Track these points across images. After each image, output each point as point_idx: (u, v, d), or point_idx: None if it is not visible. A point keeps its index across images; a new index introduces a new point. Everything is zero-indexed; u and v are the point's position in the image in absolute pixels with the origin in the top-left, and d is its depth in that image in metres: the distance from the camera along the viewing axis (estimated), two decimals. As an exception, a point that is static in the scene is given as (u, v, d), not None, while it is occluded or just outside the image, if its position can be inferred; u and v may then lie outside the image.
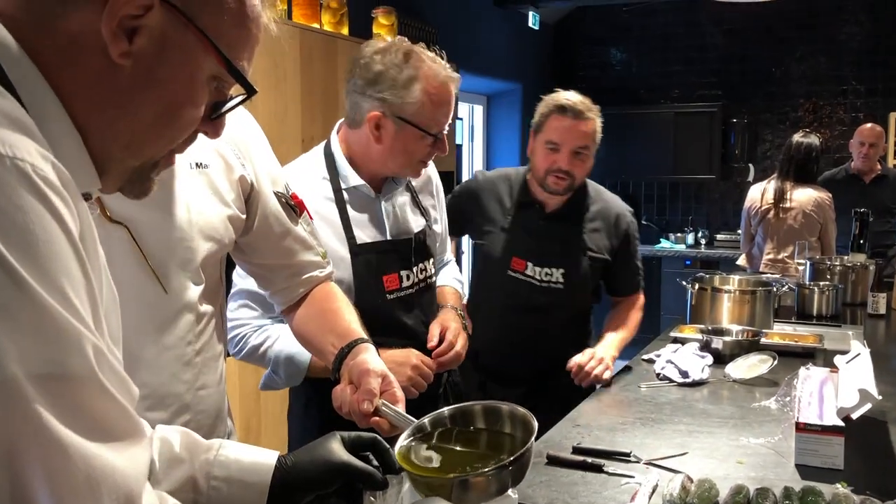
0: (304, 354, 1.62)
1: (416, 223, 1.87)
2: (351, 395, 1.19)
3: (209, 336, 1.28)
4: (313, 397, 1.77)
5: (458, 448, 1.06)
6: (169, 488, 0.98)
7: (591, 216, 2.43)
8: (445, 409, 1.12)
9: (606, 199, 2.48)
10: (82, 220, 0.64)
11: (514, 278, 2.39)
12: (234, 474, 0.99)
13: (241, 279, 1.72)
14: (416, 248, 1.84)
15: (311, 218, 1.44)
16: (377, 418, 1.15)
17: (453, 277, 2.12)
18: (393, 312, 1.77)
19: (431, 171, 1.98)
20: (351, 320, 1.34)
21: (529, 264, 2.38)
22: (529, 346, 2.40)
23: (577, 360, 2.22)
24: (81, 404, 0.58)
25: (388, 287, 1.77)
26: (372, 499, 1.06)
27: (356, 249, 1.73)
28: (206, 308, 1.25)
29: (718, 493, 1.45)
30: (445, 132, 1.75)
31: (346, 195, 1.76)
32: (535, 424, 1.04)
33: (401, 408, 1.17)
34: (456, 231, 2.49)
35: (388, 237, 1.79)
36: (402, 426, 1.12)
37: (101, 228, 1.16)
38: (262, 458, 1.02)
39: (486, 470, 0.97)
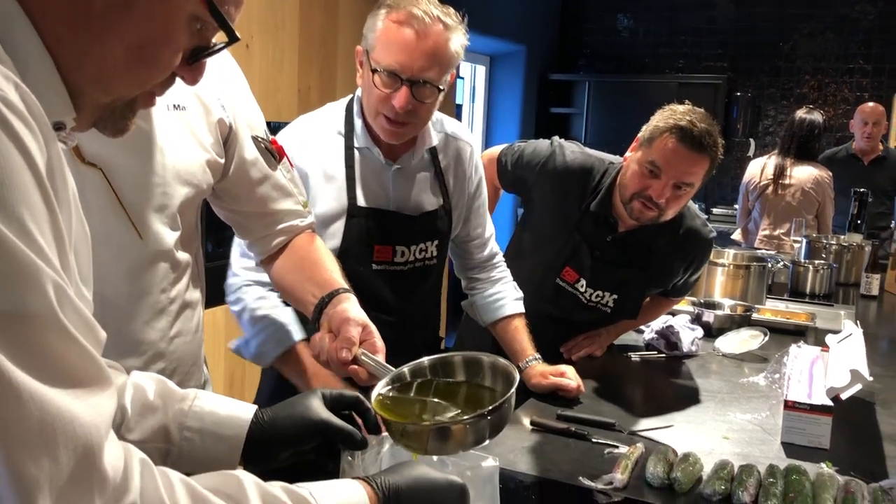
0: (288, 340, 1.52)
1: (429, 201, 1.75)
2: (330, 343, 1.14)
3: (185, 284, 1.23)
4: None
5: (436, 400, 1.03)
6: (140, 436, 0.95)
7: (666, 248, 2.06)
8: (425, 359, 1.09)
9: (688, 226, 2.07)
10: (50, 150, 0.59)
11: (560, 287, 2.11)
12: (208, 426, 0.96)
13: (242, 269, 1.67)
14: (420, 226, 1.73)
15: (291, 165, 1.38)
16: (355, 367, 1.11)
17: (518, 303, 1.95)
18: (374, 284, 1.67)
19: (473, 162, 1.82)
20: (332, 270, 1.30)
21: (583, 280, 2.10)
22: (548, 353, 1.98)
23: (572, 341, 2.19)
24: (38, 345, 0.54)
25: (377, 257, 1.68)
26: (350, 458, 1.03)
27: (353, 210, 1.65)
28: (183, 255, 1.21)
29: (703, 468, 1.44)
30: (404, 82, 1.50)
31: (356, 154, 1.66)
32: (517, 376, 1.00)
33: (381, 358, 1.13)
34: (507, 187, 2.25)
35: (391, 208, 1.69)
36: (380, 376, 1.08)
37: (73, 170, 1.12)
38: (239, 411, 0.98)
39: (465, 418, 0.94)
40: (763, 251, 3.81)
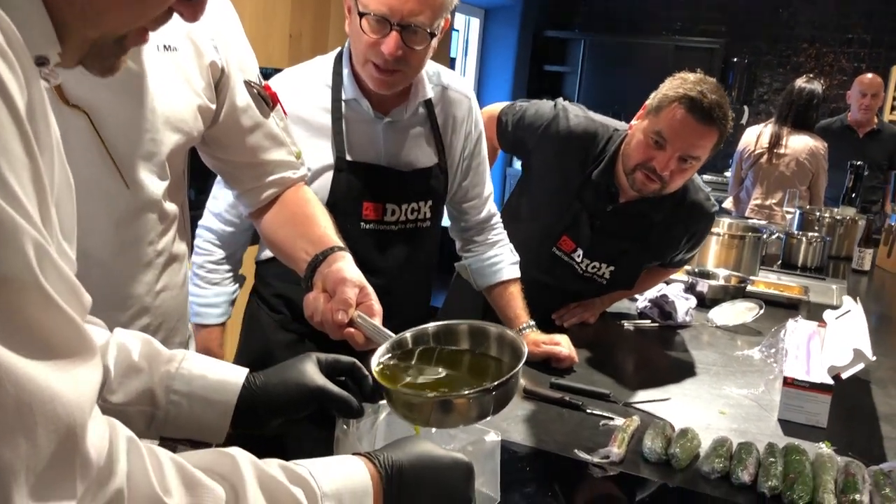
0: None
1: (424, 158, 1.67)
2: (324, 304, 1.08)
3: (172, 236, 1.17)
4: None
5: (439, 370, 0.98)
6: (123, 399, 0.89)
7: (667, 221, 1.99)
8: (429, 326, 1.03)
9: (692, 199, 2.00)
10: (31, 89, 0.52)
11: (556, 256, 2.04)
12: (196, 390, 0.91)
13: (210, 213, 1.62)
14: (412, 184, 1.65)
15: (285, 113, 1.30)
16: (351, 330, 1.05)
17: (514, 268, 1.89)
18: (363, 244, 1.60)
19: (472, 117, 1.75)
20: (326, 226, 1.23)
21: (580, 251, 2.02)
22: (539, 321, 1.91)
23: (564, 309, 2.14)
24: (16, 312, 0.47)
25: (365, 215, 1.61)
26: (345, 427, 0.98)
27: (342, 165, 1.57)
28: (170, 206, 1.14)
29: (700, 443, 1.41)
30: (393, 26, 1.42)
31: (343, 107, 1.59)
32: (525, 350, 0.95)
33: (378, 321, 1.07)
34: (506, 148, 2.17)
35: (382, 163, 1.62)
36: (378, 340, 1.02)
37: (56, 113, 1.04)
38: (229, 375, 0.93)
39: (470, 392, 0.89)
40: (754, 221, 3.78)
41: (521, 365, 0.92)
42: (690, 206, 2.00)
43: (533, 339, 1.79)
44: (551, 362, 1.76)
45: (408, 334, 1.01)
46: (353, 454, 0.77)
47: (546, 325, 1.88)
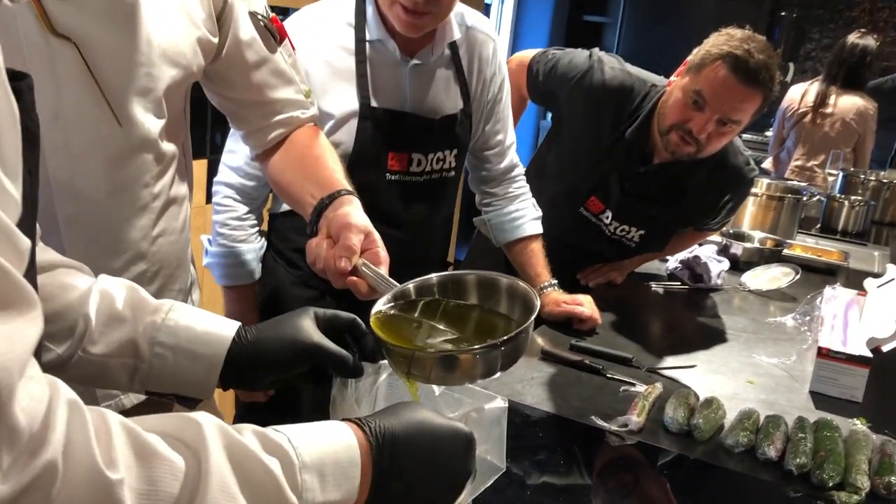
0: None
1: (449, 104, 1.58)
2: (328, 250, 1.01)
3: (170, 178, 1.10)
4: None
5: (444, 324, 0.91)
6: (105, 350, 0.84)
7: (703, 185, 1.88)
8: (434, 276, 0.95)
9: (731, 164, 1.88)
10: None
11: (583, 217, 1.94)
12: (182, 343, 0.85)
13: (228, 167, 1.55)
14: (439, 132, 1.56)
15: (293, 48, 1.22)
16: (354, 278, 0.98)
17: (537, 223, 1.81)
18: (387, 196, 1.54)
19: (497, 60, 1.65)
20: (335, 169, 1.15)
21: (609, 213, 1.92)
22: (561, 280, 1.81)
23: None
24: None
25: (391, 166, 1.53)
26: (342, 387, 0.92)
27: (367, 112, 1.48)
28: (168, 146, 1.07)
29: (725, 414, 1.33)
30: None
31: (368, 48, 1.49)
32: (537, 303, 0.87)
33: (383, 270, 0.99)
34: (536, 98, 2.06)
35: (408, 109, 1.53)
36: (382, 291, 0.95)
37: (43, 44, 0.96)
38: (219, 328, 0.87)
39: (476, 348, 0.82)
40: (794, 182, 3.63)
41: (532, 319, 0.84)
42: (729, 171, 1.89)
43: (554, 298, 1.71)
44: (572, 323, 1.69)
45: (411, 285, 0.94)
46: (343, 420, 0.71)
47: (569, 287, 1.80)
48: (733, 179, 1.91)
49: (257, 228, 1.59)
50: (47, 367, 0.85)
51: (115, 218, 1.05)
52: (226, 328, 0.87)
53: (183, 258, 1.20)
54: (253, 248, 1.58)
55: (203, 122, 2.37)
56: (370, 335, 0.90)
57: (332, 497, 0.64)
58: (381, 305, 0.90)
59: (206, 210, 2.34)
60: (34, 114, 0.63)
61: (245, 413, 1.68)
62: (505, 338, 0.81)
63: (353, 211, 1.04)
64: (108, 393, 1.06)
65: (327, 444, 0.65)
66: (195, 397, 0.88)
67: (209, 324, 0.87)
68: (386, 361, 0.89)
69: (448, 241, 1.81)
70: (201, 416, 0.59)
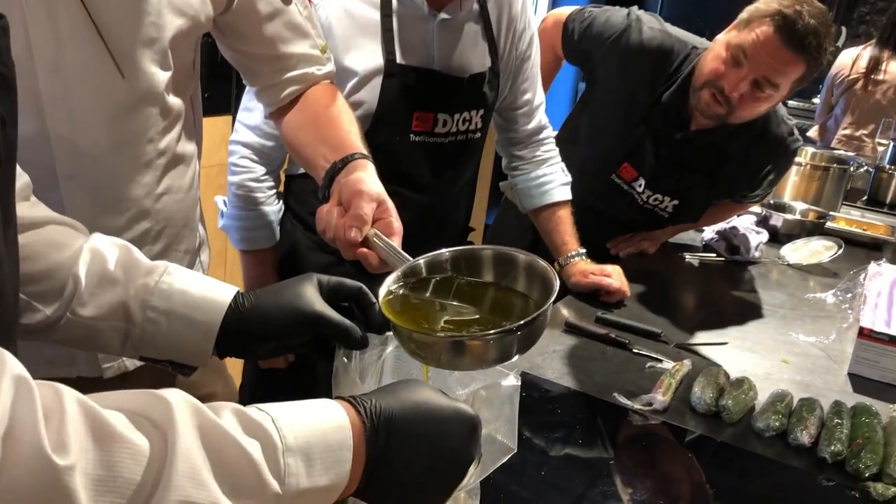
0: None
1: (477, 61, 1.50)
2: (338, 218, 0.95)
3: (177, 134, 1.05)
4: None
5: (456, 304, 0.85)
6: (95, 312, 0.80)
7: (742, 154, 1.79)
8: (446, 251, 0.89)
9: (773, 133, 1.78)
10: None
11: (614, 184, 1.86)
12: (176, 307, 0.80)
13: (244, 126, 1.49)
14: (466, 91, 1.49)
15: (310, 1, 1.15)
16: (365, 250, 0.92)
17: (565, 189, 1.73)
18: (411, 158, 1.47)
19: (526, 14, 1.57)
20: (350, 131, 1.08)
21: (642, 180, 1.84)
22: (588, 250, 1.73)
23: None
24: None
25: (415, 126, 1.45)
26: (346, 359, 0.87)
27: (393, 69, 1.41)
28: (174, 101, 1.02)
29: (756, 396, 1.26)
30: None
31: (394, 2, 1.42)
32: (556, 285, 0.81)
33: (396, 242, 0.93)
34: (571, 58, 1.96)
35: (436, 67, 1.45)
36: (394, 264, 0.89)
37: (43, -10, 0.92)
38: (215, 293, 0.82)
39: (490, 333, 0.76)
40: (841, 152, 3.48)
41: (550, 303, 0.78)
42: (771, 141, 1.79)
43: (581, 268, 1.64)
44: (600, 295, 1.62)
45: (422, 260, 0.88)
46: (336, 398, 0.66)
47: (597, 256, 1.72)
48: (775, 150, 1.81)
49: (275, 190, 1.54)
50: (35, 329, 0.81)
51: (117, 174, 1.00)
52: (222, 293, 0.82)
53: (190, 218, 1.15)
54: (272, 211, 1.53)
55: (228, 76, 2.32)
56: (377, 305, 0.84)
57: (319, 482, 0.59)
58: (391, 284, 0.85)
59: (230, 168, 2.30)
60: (8, 58, 0.58)
61: (262, 381, 1.64)
62: (521, 322, 0.75)
63: (367, 177, 0.98)
64: (110, 356, 1.03)
65: (316, 425, 0.60)
66: (192, 365, 0.84)
67: (205, 288, 0.82)
68: (392, 333, 0.84)
69: (471, 205, 1.74)
70: (172, 394, 0.54)
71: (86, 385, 1.05)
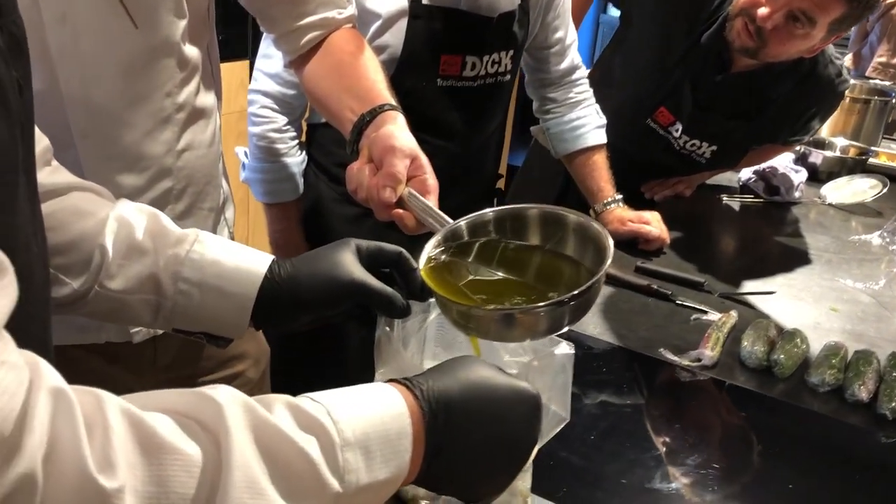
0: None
1: (506, 0, 1.41)
2: (370, 177, 0.89)
3: (195, 86, 0.99)
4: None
5: (502, 271, 0.79)
6: (123, 286, 0.75)
7: (786, 97, 1.69)
8: (490, 211, 0.83)
9: (820, 74, 1.69)
10: None
11: (650, 129, 1.78)
12: (209, 279, 0.76)
13: (264, 74, 1.41)
14: (495, 32, 1.40)
15: None
16: (400, 211, 0.87)
17: (600, 133, 1.65)
18: (438, 104, 1.39)
19: None
20: (376, 80, 1.01)
21: (679, 125, 1.75)
22: (623, 195, 1.68)
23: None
24: None
25: (443, 71, 1.37)
26: (388, 328, 0.82)
27: (418, 10, 1.33)
28: (191, 51, 0.95)
29: (809, 348, 1.21)
30: None
31: None
32: (611, 248, 0.75)
33: (432, 201, 0.87)
34: None
35: (464, 7, 1.36)
36: (431, 226, 0.84)
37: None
38: (250, 262, 0.77)
39: (540, 305, 0.70)
40: (878, 81, 3.35)
41: (604, 269, 0.73)
42: (818, 82, 1.69)
43: (619, 215, 1.58)
44: (638, 243, 1.56)
45: (463, 222, 0.82)
46: (389, 381, 0.61)
47: (630, 203, 1.65)
48: (823, 92, 1.72)
49: (298, 141, 1.48)
50: (63, 303, 0.77)
51: (135, 131, 0.94)
52: (257, 263, 0.77)
53: (213, 174, 1.09)
54: (295, 162, 1.47)
55: (243, 18, 2.23)
56: (419, 270, 0.79)
57: (379, 476, 0.55)
58: (431, 250, 0.79)
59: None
60: (16, 13, 0.52)
61: (282, 346, 1.61)
62: (576, 292, 0.69)
63: (398, 131, 0.91)
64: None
65: (374, 415, 0.56)
66: (227, 337, 0.80)
67: (239, 258, 0.77)
68: (434, 299, 0.79)
69: (500, 152, 1.67)
70: (222, 393, 0.49)
71: (116, 350, 1.03)
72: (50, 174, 0.76)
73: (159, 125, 0.96)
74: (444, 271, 0.78)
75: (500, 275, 0.79)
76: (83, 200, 0.77)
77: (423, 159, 0.90)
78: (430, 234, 0.84)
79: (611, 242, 0.75)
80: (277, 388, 1.24)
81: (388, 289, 0.78)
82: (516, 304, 0.73)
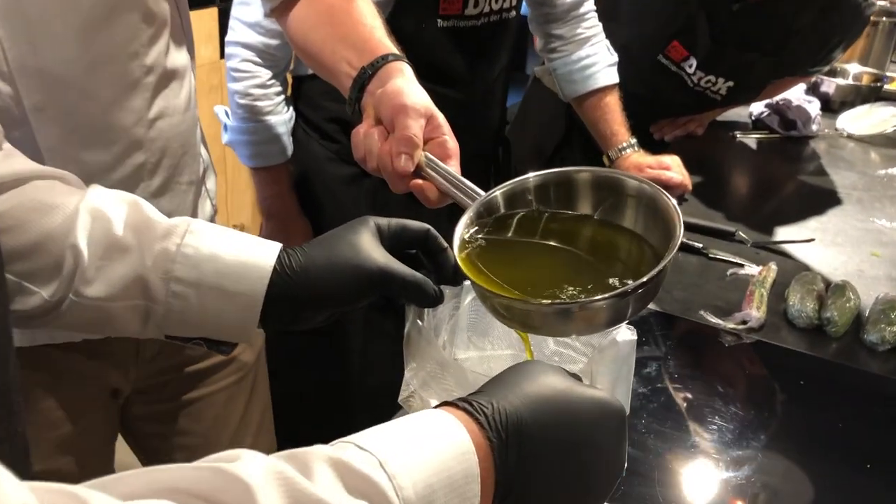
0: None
1: None
2: (380, 142, 0.76)
3: (165, 44, 0.84)
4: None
5: (549, 250, 0.68)
6: (105, 292, 0.63)
7: (810, 26, 1.58)
8: (531, 177, 0.70)
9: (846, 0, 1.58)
10: None
11: (662, 66, 1.66)
12: (207, 278, 0.63)
13: (242, 24, 1.26)
14: None
15: None
16: (420, 181, 0.74)
17: (612, 72, 1.51)
18: (439, 47, 1.26)
19: None
20: (374, 26, 0.86)
21: (693, 60, 1.63)
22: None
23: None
24: None
25: (443, 10, 1.23)
26: (419, 321, 0.70)
27: None
28: (160, 4, 0.81)
29: (860, 302, 1.11)
30: None
31: None
32: (681, 220, 0.63)
33: (454, 166, 0.75)
34: None
35: None
36: (458, 198, 0.71)
37: None
38: (254, 254, 0.64)
39: (601, 298, 0.59)
40: (885, 3, 3.20)
41: (676, 247, 0.61)
42: (844, 9, 1.56)
43: (635, 162, 1.46)
44: None
45: (499, 192, 0.70)
46: (444, 405, 0.50)
47: (645, 146, 1.53)
48: (849, 18, 1.59)
49: (284, 96, 1.34)
50: (33, 315, 0.64)
51: (98, 101, 0.80)
52: (263, 255, 0.64)
53: (190, 142, 0.95)
54: (282, 120, 1.33)
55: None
56: (449, 250, 0.67)
57: None
58: (464, 231, 0.67)
59: (219, 66, 2.07)
60: None
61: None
62: (645, 279, 0.58)
63: (408, 85, 0.77)
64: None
65: (435, 458, 0.44)
66: (232, 341, 0.68)
67: (241, 250, 0.64)
68: (469, 283, 0.67)
69: (506, 96, 1.54)
70: (249, 466, 0.37)
71: (95, 346, 0.90)
72: (1, 161, 0.63)
73: (126, 92, 0.82)
74: (482, 256, 0.66)
75: (547, 255, 0.67)
76: (45, 191, 0.64)
77: (440, 118, 0.77)
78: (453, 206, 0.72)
79: (679, 213, 0.64)
80: (275, 371, 1.13)
81: (418, 275, 0.66)
82: (573, 296, 0.61)
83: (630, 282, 0.60)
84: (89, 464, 0.96)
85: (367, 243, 0.66)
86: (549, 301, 0.59)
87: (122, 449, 1.05)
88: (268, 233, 1.42)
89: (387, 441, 0.44)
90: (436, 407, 0.50)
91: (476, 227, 0.68)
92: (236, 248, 0.64)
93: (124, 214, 0.64)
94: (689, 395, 0.93)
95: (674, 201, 0.64)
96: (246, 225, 2.47)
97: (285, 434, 1.26)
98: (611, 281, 0.62)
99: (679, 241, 0.61)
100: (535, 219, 0.70)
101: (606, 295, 0.58)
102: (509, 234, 0.68)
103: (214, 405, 1.10)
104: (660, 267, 0.59)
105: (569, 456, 0.50)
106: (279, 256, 0.65)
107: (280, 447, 1.20)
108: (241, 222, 2.52)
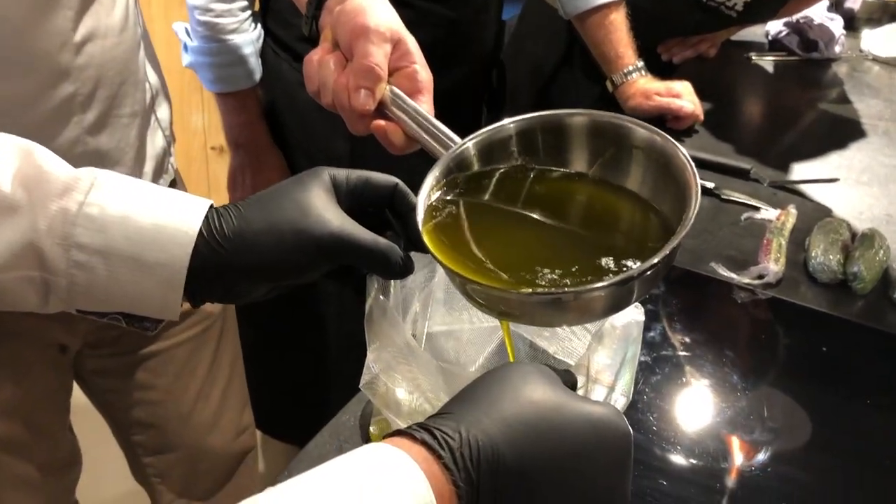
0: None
1: None
2: (336, 73, 0.62)
3: None
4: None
5: (534, 218, 0.55)
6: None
7: None
8: (510, 122, 0.57)
9: None
10: None
11: None
12: (117, 244, 0.51)
13: None
14: None
15: None
16: (382, 122, 0.61)
17: None
18: None
19: None
20: None
21: None
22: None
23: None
24: None
25: None
26: (381, 296, 0.58)
27: None
28: None
29: (889, 254, 0.99)
30: None
31: None
32: (698, 183, 0.50)
33: (425, 105, 0.61)
34: None
35: None
36: (427, 145, 0.59)
37: None
38: (174, 216, 0.52)
39: (599, 286, 0.47)
40: None
41: (690, 219, 0.48)
42: None
43: (642, 88, 1.31)
44: (666, 120, 1.30)
45: (471, 143, 0.57)
46: (395, 435, 0.38)
47: (651, 69, 1.38)
48: None
49: (250, 11, 1.18)
50: None
51: (9, 21, 0.66)
52: (186, 217, 0.52)
53: (132, 69, 0.82)
54: (249, 40, 1.18)
55: None
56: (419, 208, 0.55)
57: None
58: (430, 192, 0.54)
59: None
60: None
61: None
62: (650, 263, 0.46)
63: (371, 4, 0.63)
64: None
65: None
66: (155, 318, 0.56)
67: (158, 210, 0.52)
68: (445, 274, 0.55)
69: (501, 11, 1.38)
70: None
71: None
72: None
73: (44, 10, 0.68)
74: (452, 228, 0.53)
75: (533, 227, 0.55)
76: None
77: (411, 42, 0.63)
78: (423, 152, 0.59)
79: (696, 173, 0.51)
80: (248, 314, 1.03)
81: (381, 242, 0.53)
82: (562, 282, 0.49)
83: (633, 263, 0.48)
84: (39, 421, 0.88)
85: (319, 201, 0.53)
86: (535, 290, 0.47)
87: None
88: (236, 165, 1.29)
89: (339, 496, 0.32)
90: (385, 437, 0.38)
91: (445, 190, 0.55)
92: (153, 208, 0.52)
93: (15, 166, 0.52)
94: (700, 368, 0.83)
95: (689, 161, 0.51)
96: (225, 148, 2.33)
97: (262, 378, 1.17)
98: (610, 260, 0.50)
99: (695, 208, 0.49)
100: (519, 179, 0.57)
101: (605, 283, 0.46)
102: (486, 197, 0.56)
103: (176, 359, 1.03)
104: (672, 245, 0.47)
105: (559, 499, 0.39)
106: (207, 218, 0.52)
107: (253, 395, 1.09)
108: (220, 143, 2.37)
